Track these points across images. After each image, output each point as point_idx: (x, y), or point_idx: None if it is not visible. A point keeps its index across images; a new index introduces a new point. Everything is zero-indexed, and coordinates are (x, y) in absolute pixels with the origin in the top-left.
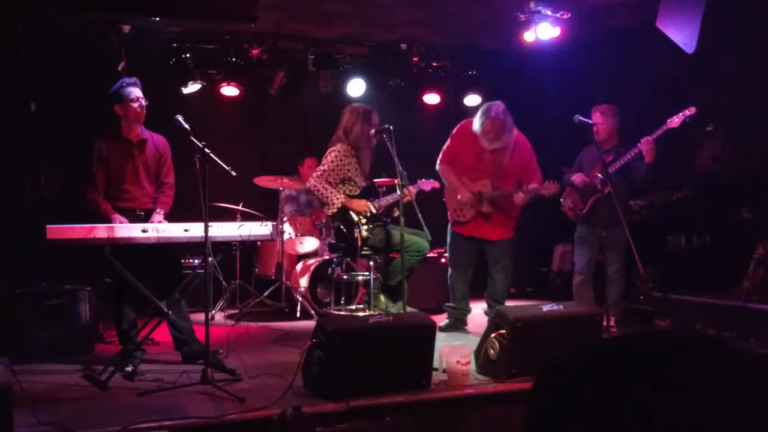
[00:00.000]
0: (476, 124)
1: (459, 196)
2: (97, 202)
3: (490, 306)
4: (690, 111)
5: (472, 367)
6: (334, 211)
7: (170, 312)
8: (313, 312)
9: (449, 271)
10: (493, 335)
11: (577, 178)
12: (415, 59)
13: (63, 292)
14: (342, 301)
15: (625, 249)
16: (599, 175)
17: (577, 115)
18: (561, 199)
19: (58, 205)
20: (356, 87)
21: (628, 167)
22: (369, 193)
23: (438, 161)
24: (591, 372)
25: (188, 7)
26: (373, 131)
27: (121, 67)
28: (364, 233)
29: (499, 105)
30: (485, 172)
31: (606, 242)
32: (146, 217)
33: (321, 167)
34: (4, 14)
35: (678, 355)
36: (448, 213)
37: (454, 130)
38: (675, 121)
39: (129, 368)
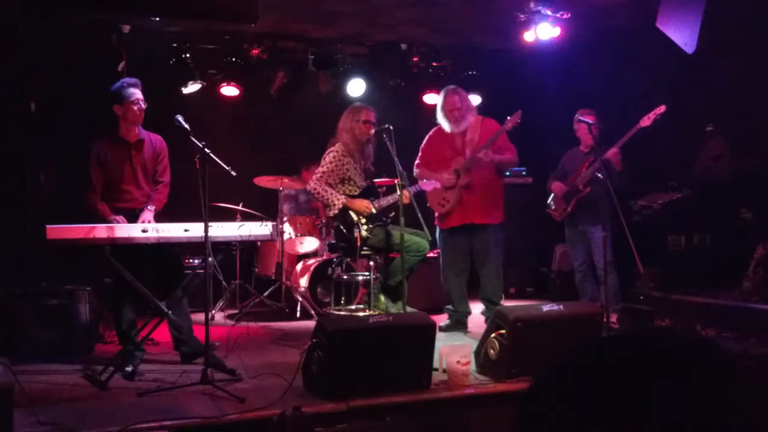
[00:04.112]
0: (438, 108)
1: (440, 184)
2: (94, 204)
3: (486, 307)
4: (660, 110)
5: (472, 367)
6: (336, 212)
7: (170, 312)
8: (313, 312)
9: (442, 275)
10: (493, 335)
11: (555, 187)
12: (415, 59)
13: (63, 292)
14: (342, 301)
15: (609, 246)
16: (599, 174)
17: (577, 115)
18: (548, 201)
19: (58, 205)
20: (356, 87)
21: (608, 169)
22: (369, 193)
23: (415, 166)
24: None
25: (188, 7)
26: (363, 127)
27: (121, 67)
28: (364, 233)
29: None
30: (460, 158)
31: (591, 241)
32: None
33: (320, 169)
34: (4, 14)
35: (664, 360)
36: (435, 214)
37: (425, 139)
38: (646, 120)
39: (129, 368)
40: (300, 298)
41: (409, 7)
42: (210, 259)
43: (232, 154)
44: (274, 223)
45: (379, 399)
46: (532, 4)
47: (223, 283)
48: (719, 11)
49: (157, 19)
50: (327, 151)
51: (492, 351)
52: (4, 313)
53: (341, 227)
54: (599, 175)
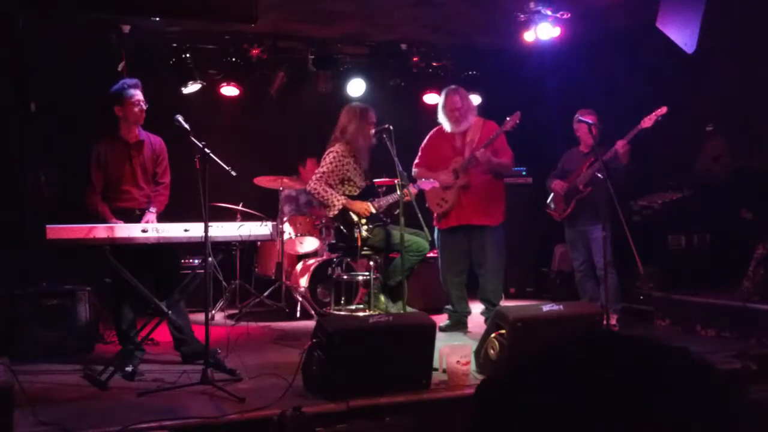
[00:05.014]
0: (439, 108)
1: (438, 183)
2: (95, 205)
3: (486, 308)
4: (661, 111)
5: (472, 367)
6: (336, 212)
7: (170, 312)
8: (313, 312)
9: (442, 275)
10: (493, 335)
11: (556, 186)
12: (415, 59)
13: (63, 292)
14: (342, 301)
15: (609, 246)
16: (600, 174)
17: (577, 115)
18: (548, 201)
19: (58, 205)
20: (356, 87)
21: (608, 169)
22: (369, 193)
23: (413, 166)
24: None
25: (188, 7)
26: (371, 129)
27: (121, 67)
28: (364, 233)
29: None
30: (459, 158)
31: (590, 241)
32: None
33: (320, 169)
34: (4, 14)
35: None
36: (433, 214)
37: (426, 138)
38: (647, 121)
39: (129, 368)
40: (300, 298)
41: (409, 7)
42: (210, 259)
43: (232, 154)
44: (274, 223)
45: (379, 399)
46: (532, 4)
47: (223, 283)
48: (719, 11)
49: (157, 19)
50: (327, 152)
51: (492, 351)
52: (4, 313)
53: (341, 227)
54: (599, 175)
